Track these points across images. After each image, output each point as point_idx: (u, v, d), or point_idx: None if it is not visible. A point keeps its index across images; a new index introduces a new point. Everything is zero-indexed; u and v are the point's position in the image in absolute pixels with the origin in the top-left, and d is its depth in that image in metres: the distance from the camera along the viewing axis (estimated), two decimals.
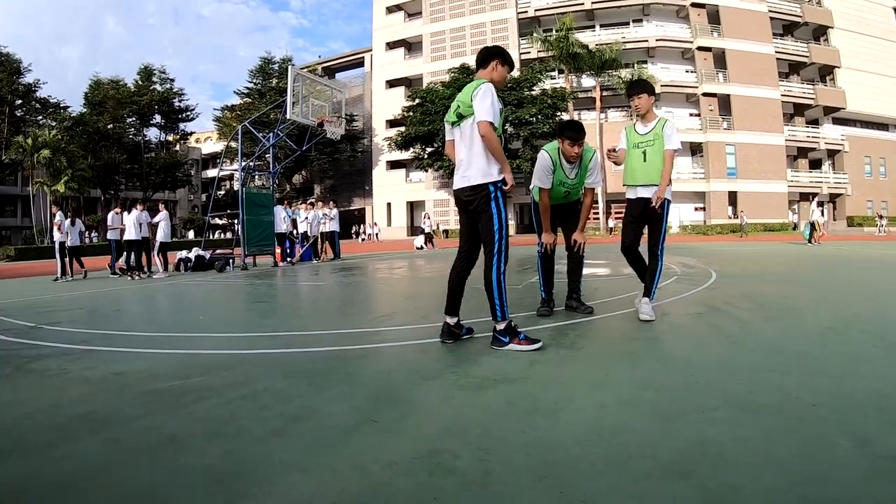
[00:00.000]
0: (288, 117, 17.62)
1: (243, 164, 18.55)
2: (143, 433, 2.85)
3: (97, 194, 63.54)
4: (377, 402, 3.25)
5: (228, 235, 60.40)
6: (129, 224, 15.27)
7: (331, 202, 22.25)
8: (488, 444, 2.54)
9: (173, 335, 5.70)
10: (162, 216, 16.10)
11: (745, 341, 4.58)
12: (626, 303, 6.73)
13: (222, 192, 63.60)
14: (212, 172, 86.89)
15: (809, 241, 23.86)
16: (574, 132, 5.74)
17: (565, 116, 47.92)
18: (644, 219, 5.74)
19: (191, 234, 56.23)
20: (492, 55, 4.67)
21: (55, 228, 15.91)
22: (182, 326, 6.40)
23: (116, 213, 16.14)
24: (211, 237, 51.37)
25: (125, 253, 15.71)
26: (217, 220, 69.01)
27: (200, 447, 2.63)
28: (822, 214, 32.27)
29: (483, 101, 4.32)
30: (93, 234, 58.90)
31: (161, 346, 5.15)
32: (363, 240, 55.34)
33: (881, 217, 41.08)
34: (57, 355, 4.92)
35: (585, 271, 6.46)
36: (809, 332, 4.95)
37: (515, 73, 49.95)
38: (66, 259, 15.62)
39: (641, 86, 5.80)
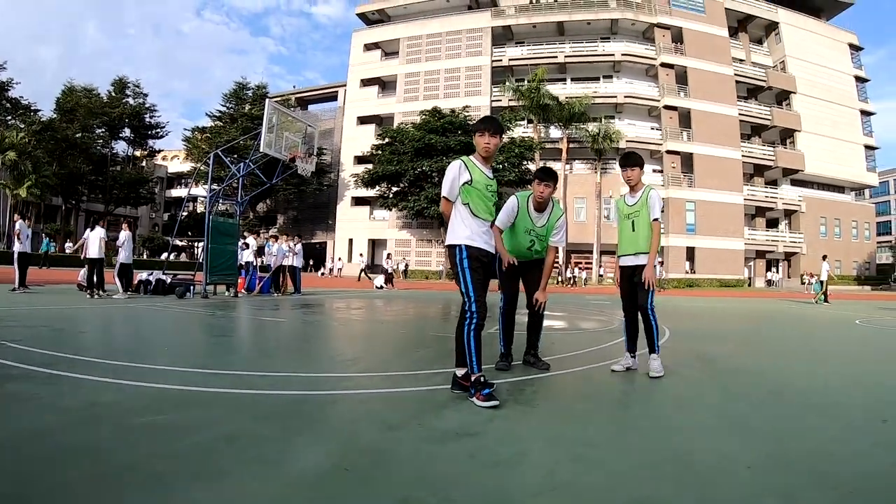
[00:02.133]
0: (261, 150, 17.61)
1: (212, 190, 18.40)
2: (128, 470, 2.88)
3: (59, 202, 62.71)
4: (348, 449, 3.33)
5: (183, 258, 60.06)
6: (92, 242, 15.27)
7: (295, 237, 22.28)
8: (455, 495, 2.66)
9: (139, 366, 5.66)
10: (124, 236, 15.93)
11: (689, 401, 4.92)
12: (582, 359, 6.94)
13: (185, 214, 63.07)
14: (176, 192, 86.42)
15: (826, 300, 24.92)
16: (544, 173, 5.88)
17: (532, 166, 48.58)
18: (633, 284, 6.08)
19: (144, 255, 55.72)
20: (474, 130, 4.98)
21: (15, 237, 15.94)
22: (147, 356, 6.36)
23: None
24: (171, 258, 50.95)
25: (86, 269, 15.62)
26: (178, 242, 68.39)
27: (185, 487, 2.67)
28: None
29: (444, 178, 4.83)
30: (50, 244, 58.19)
31: (129, 376, 5.12)
32: (323, 273, 55.25)
33: (811, 275, 42.08)
34: (24, 378, 4.95)
35: (544, 322, 6.59)
36: (752, 396, 5.22)
37: None
38: (25, 269, 15.67)
39: (634, 159, 6.06)
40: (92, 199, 65.50)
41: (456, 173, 4.77)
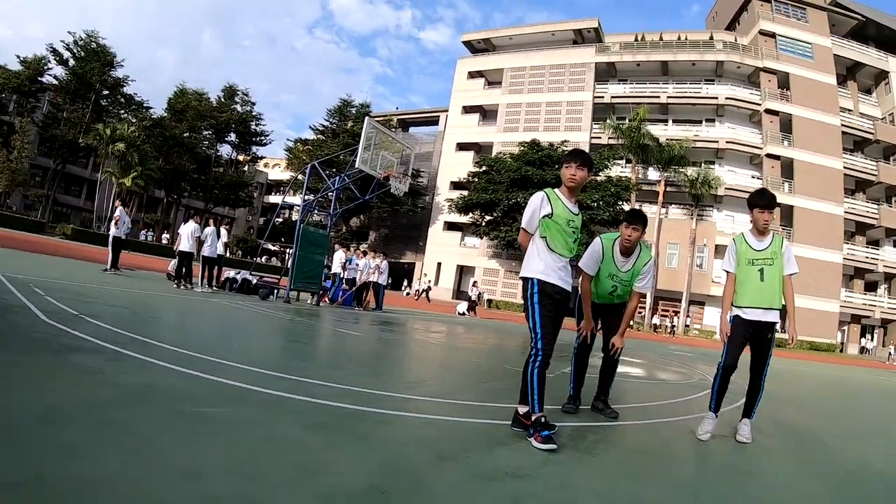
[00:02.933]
0: (357, 166, 17.93)
1: (306, 200, 18.96)
2: (166, 454, 2.97)
3: (161, 195, 65.90)
4: (389, 471, 3.31)
5: (274, 262, 61.69)
6: (184, 235, 15.99)
7: (382, 254, 22.66)
8: None
9: (206, 358, 5.78)
10: (208, 231, 16.47)
11: (759, 474, 4.52)
12: (654, 412, 6.83)
13: (280, 220, 64.98)
14: (273, 198, 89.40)
15: None
16: (632, 216, 5.73)
17: (626, 206, 48.31)
18: (753, 342, 5.52)
19: (239, 254, 57.77)
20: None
21: (113, 223, 16.79)
22: (216, 350, 6.47)
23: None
24: (260, 261, 52.62)
25: (176, 261, 16.46)
26: (270, 246, 70.43)
27: (218, 480, 2.71)
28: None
29: (526, 209, 4.77)
30: (149, 234, 60.85)
31: (193, 366, 5.26)
32: (407, 294, 55.92)
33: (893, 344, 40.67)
34: (94, 351, 5.23)
35: (619, 368, 6.35)
36: (826, 474, 5.01)
37: None
38: (117, 252, 16.49)
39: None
40: (193, 195, 69.09)
41: (537, 205, 4.68)
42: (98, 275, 14.77)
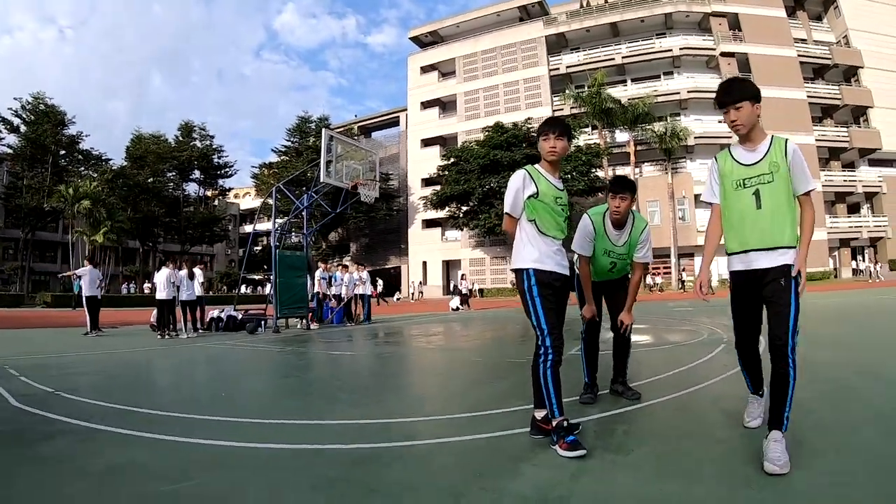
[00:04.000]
0: (322, 181, 17.71)
1: (277, 225, 18.77)
2: None
3: (136, 245, 65.51)
4: None
5: (263, 290, 61.35)
6: (159, 283, 15.67)
7: (361, 266, 22.61)
8: None
9: (187, 416, 5.44)
10: (181, 275, 16.17)
11: (825, 452, 3.70)
12: (676, 383, 6.22)
13: (258, 248, 64.72)
14: (249, 227, 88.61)
15: None
16: (619, 185, 5.20)
17: (600, 173, 48.75)
18: (762, 299, 3.79)
19: (225, 290, 57.54)
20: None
21: (78, 279, 16.96)
22: (199, 404, 6.19)
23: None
24: (246, 291, 52.27)
25: (156, 310, 16.14)
26: (252, 276, 70.31)
27: None
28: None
29: (507, 191, 4.33)
30: (131, 286, 60.43)
31: (171, 429, 4.87)
32: (399, 299, 56.13)
33: (876, 262, 40.56)
34: (67, 433, 4.89)
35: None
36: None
37: None
38: (95, 312, 16.33)
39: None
40: (168, 239, 68.50)
41: (519, 185, 4.19)
42: (79, 340, 14.55)
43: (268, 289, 60.97)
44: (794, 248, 3.65)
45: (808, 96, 52.24)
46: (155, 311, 16.61)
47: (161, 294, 15.54)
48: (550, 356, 4.04)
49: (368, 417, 5.27)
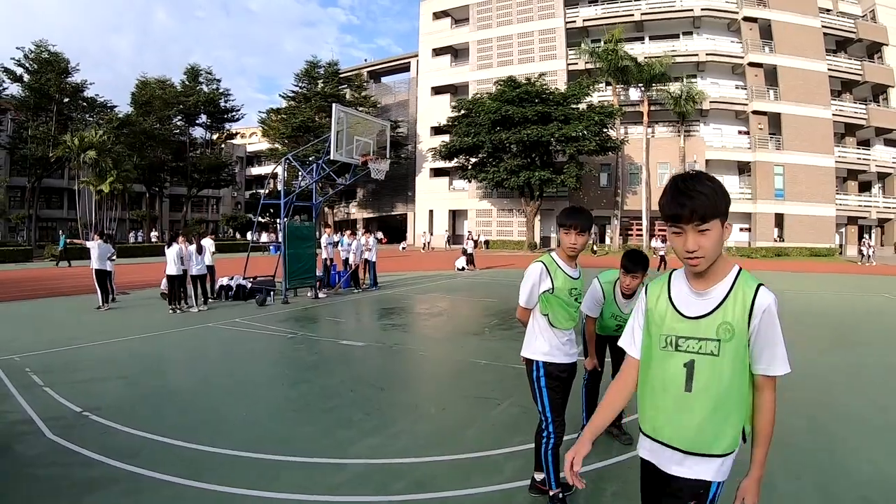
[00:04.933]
0: (331, 156, 17.51)
1: (285, 200, 18.39)
2: None
3: (142, 189, 65.27)
4: None
5: (265, 237, 61.20)
6: (169, 259, 15.68)
7: (367, 232, 22.86)
8: None
9: (214, 451, 5.64)
10: (191, 250, 16.25)
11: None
12: None
13: (266, 192, 64.62)
14: (256, 170, 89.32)
15: None
16: (632, 262, 5.34)
17: (612, 132, 48.43)
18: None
19: (264, 237, 57.29)
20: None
21: (92, 254, 16.33)
22: (222, 429, 6.35)
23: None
24: (257, 239, 52.11)
25: (166, 282, 16.37)
26: (261, 219, 70.48)
27: None
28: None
29: (523, 282, 4.44)
30: (138, 234, 60.39)
31: (206, 473, 5.11)
32: (403, 248, 56.42)
33: (870, 246, 40.15)
34: (108, 482, 4.97)
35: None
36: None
37: (562, 86, 50.19)
38: (108, 284, 16.28)
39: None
40: (174, 183, 68.40)
41: (536, 280, 4.33)
42: (92, 318, 14.44)
43: (274, 231, 61.55)
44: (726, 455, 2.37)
45: (829, 69, 51.23)
46: (165, 280, 16.80)
47: (171, 269, 15.65)
48: (553, 440, 4.37)
49: (383, 455, 5.57)
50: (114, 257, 17.16)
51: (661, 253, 30.95)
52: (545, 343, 4.39)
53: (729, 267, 2.27)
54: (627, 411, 5.92)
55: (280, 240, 19.02)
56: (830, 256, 45.43)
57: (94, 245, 16.54)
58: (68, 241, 35.22)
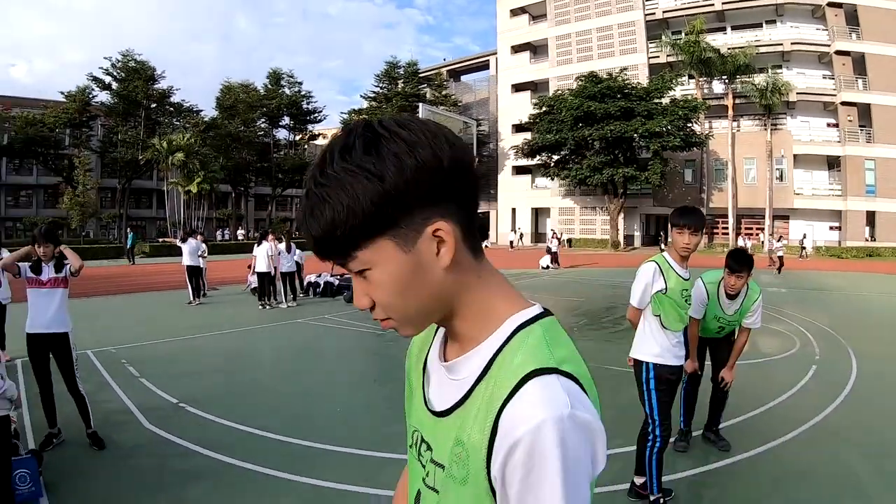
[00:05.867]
0: None
1: None
2: None
3: (228, 189, 68.24)
4: None
5: None
6: (259, 256, 16.40)
7: None
8: None
9: (315, 446, 5.84)
10: (281, 248, 16.90)
11: None
12: (762, 429, 6.30)
13: None
14: None
15: None
16: (736, 262, 5.37)
17: (696, 127, 48.35)
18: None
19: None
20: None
21: (184, 251, 17.33)
22: (319, 423, 6.65)
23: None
24: None
25: (255, 277, 17.17)
26: None
27: None
28: None
29: (635, 282, 4.62)
30: (225, 232, 63.04)
31: (312, 468, 5.32)
32: (486, 246, 56.32)
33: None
34: (208, 473, 5.26)
35: None
36: None
37: (644, 80, 50.34)
38: (196, 280, 17.18)
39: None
40: (259, 183, 71.12)
41: (649, 280, 4.44)
42: (185, 318, 14.68)
43: None
44: None
45: None
46: (252, 277, 18.00)
47: (261, 267, 16.34)
48: (658, 444, 4.42)
49: None
50: (205, 254, 18.16)
51: (780, 254, 29.49)
52: (656, 345, 4.49)
53: (497, 316, 1.03)
54: (725, 416, 6.06)
55: None
56: None
57: (185, 244, 17.45)
58: (160, 239, 37.26)
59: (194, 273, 17.29)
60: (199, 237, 18.48)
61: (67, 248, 6.14)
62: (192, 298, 17.05)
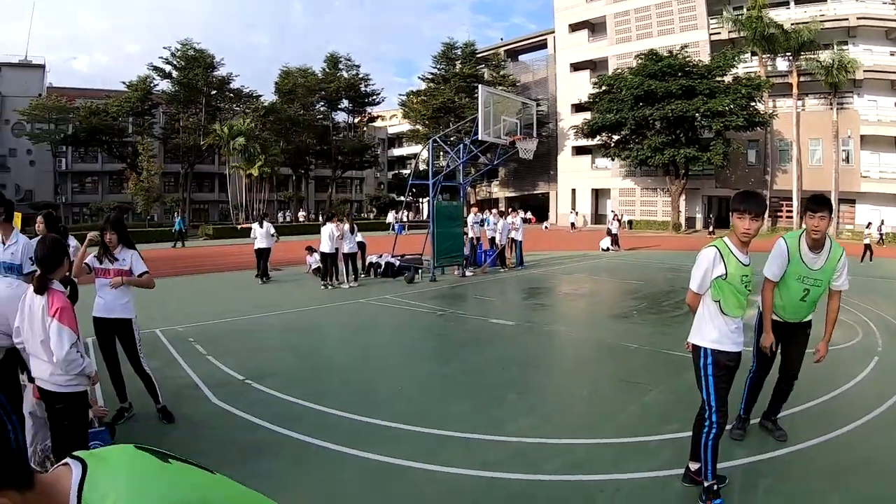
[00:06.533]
0: (480, 138, 18.20)
1: (433, 180, 19.20)
2: None
3: (288, 172, 69.87)
4: None
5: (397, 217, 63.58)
6: (324, 237, 16.79)
7: (515, 211, 23.89)
8: None
9: (372, 422, 6.12)
10: (345, 229, 17.19)
11: None
12: (822, 419, 6.28)
13: (408, 172, 67.29)
14: (397, 151, 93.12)
15: None
16: (816, 203, 5.23)
17: (760, 106, 47.69)
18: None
19: (390, 216, 59.06)
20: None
21: (258, 233, 18.12)
22: (382, 402, 6.88)
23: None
24: (405, 218, 54.67)
25: (318, 256, 17.94)
26: (407, 199, 73.20)
27: None
28: None
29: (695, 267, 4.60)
30: (286, 214, 64.63)
31: (370, 443, 5.54)
32: (546, 227, 58.64)
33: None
34: (275, 447, 5.53)
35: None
36: None
37: (705, 58, 49.74)
38: (264, 262, 18.08)
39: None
40: (319, 165, 72.70)
41: (710, 265, 4.43)
42: (250, 298, 15.10)
43: (425, 213, 63.61)
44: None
45: None
46: (312, 257, 19.12)
47: (325, 247, 16.79)
48: (714, 430, 4.44)
49: (536, 435, 5.84)
50: (275, 236, 18.93)
51: (867, 241, 27.61)
52: (714, 330, 4.48)
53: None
54: (787, 405, 6.02)
55: (404, 220, 20.01)
56: None
57: (256, 226, 18.32)
58: (239, 226, 38.48)
59: (259, 255, 18.16)
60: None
61: (139, 258, 6.42)
62: (258, 273, 18.10)
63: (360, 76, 71.15)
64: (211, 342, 9.72)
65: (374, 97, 73.67)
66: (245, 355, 9.01)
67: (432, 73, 68.48)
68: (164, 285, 15.97)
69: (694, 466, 4.72)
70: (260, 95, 66.28)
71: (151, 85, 59.67)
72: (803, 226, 5.37)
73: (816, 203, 5.17)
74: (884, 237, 39.92)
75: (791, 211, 47.97)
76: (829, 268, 5.29)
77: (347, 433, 5.83)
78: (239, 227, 41.51)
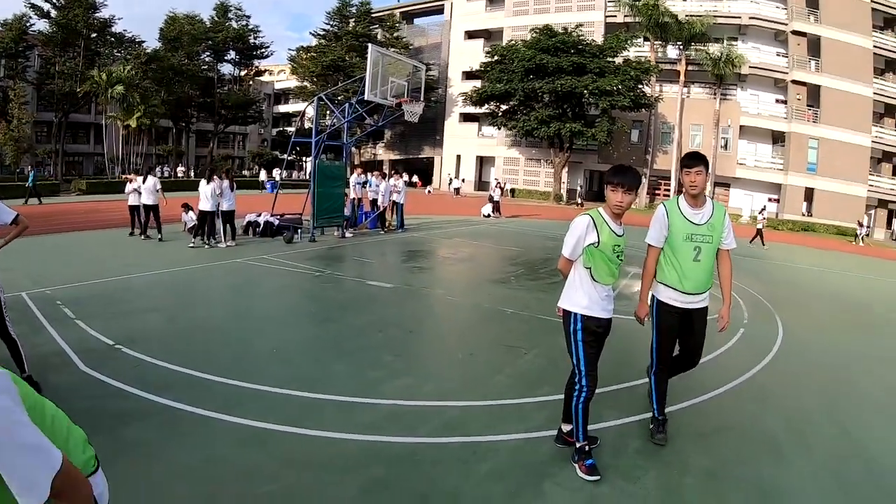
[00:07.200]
0: (366, 98, 18.00)
1: (316, 139, 18.75)
2: None
3: (169, 124, 66.31)
4: None
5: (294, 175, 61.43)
6: (203, 195, 16.22)
7: (399, 175, 23.66)
8: None
9: (248, 386, 5.99)
10: (225, 185, 16.67)
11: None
12: (689, 389, 6.39)
13: (292, 130, 65.29)
14: (283, 107, 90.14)
15: None
16: (690, 158, 5.11)
17: (647, 89, 48.50)
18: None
19: (262, 175, 57.07)
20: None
21: (129, 186, 17.62)
22: (260, 366, 6.69)
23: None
24: (284, 176, 52.56)
25: (192, 214, 17.47)
26: (288, 157, 71.24)
27: None
28: None
29: (568, 234, 4.65)
30: (165, 169, 60.85)
31: (243, 408, 5.43)
32: (429, 192, 58.01)
33: (861, 225, 39.90)
34: (144, 414, 5.26)
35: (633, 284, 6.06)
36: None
37: (599, 38, 50.28)
38: (156, 218, 17.12)
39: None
40: (201, 119, 69.08)
41: (582, 233, 4.51)
42: (124, 258, 14.11)
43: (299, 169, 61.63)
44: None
45: (874, 45, 49.46)
46: (187, 215, 18.28)
47: (205, 205, 16.17)
48: (584, 394, 4.58)
49: (413, 397, 5.93)
50: (160, 191, 17.61)
51: (760, 226, 28.64)
52: (585, 297, 4.57)
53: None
54: (640, 364, 6.30)
55: (278, 179, 19.04)
56: (855, 237, 43.99)
57: (139, 181, 17.46)
58: (122, 176, 35.47)
59: (154, 211, 17.25)
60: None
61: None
62: (132, 230, 17.63)
63: (250, 27, 68.79)
64: (80, 305, 9.13)
65: (263, 50, 71.42)
66: (116, 319, 8.48)
67: (324, 30, 66.73)
68: (31, 244, 14.96)
69: (566, 428, 4.92)
70: (143, 42, 62.44)
71: (27, 24, 54.70)
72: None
73: (691, 158, 5.11)
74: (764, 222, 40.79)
75: (669, 190, 49.53)
76: (716, 223, 5.08)
77: (221, 398, 5.69)
78: (122, 178, 37.88)
